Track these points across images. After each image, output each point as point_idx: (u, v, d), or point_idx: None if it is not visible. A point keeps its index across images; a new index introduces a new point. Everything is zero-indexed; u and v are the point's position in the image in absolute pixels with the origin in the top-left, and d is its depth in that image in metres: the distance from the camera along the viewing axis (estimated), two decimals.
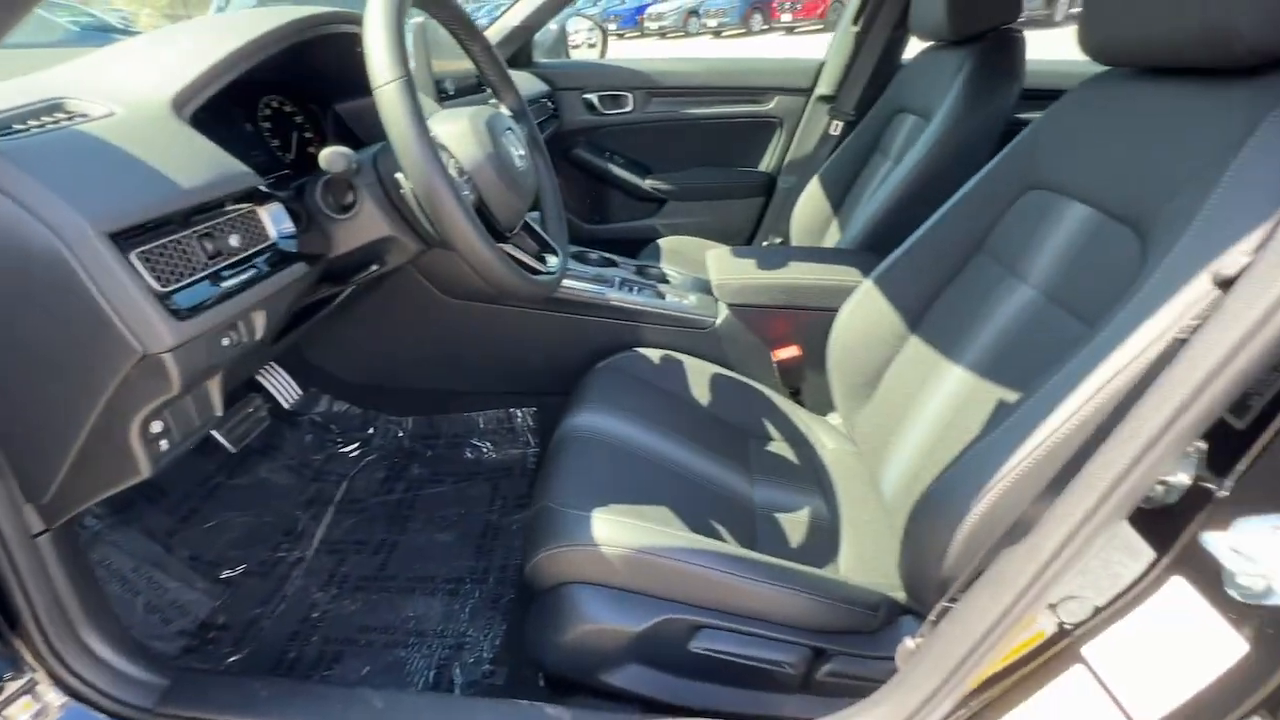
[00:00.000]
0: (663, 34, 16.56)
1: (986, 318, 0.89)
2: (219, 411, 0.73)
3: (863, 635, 0.81)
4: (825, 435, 1.17)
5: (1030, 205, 0.89)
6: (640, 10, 17.88)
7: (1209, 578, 0.46)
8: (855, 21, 1.79)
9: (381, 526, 1.27)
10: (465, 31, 0.87)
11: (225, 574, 1.14)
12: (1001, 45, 1.33)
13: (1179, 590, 0.48)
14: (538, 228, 0.96)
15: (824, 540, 0.95)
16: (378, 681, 0.98)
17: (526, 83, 1.89)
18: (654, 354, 1.24)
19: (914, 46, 1.66)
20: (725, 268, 1.29)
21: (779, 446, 1.14)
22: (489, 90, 0.98)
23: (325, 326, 1.30)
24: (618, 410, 1.04)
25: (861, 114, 1.75)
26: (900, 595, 0.83)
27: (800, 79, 1.95)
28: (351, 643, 1.05)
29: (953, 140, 1.28)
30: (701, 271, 1.39)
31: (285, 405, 1.36)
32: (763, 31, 14.70)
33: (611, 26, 18.89)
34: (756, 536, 0.93)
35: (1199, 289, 0.54)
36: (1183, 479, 0.48)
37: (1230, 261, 0.47)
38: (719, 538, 0.87)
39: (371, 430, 1.47)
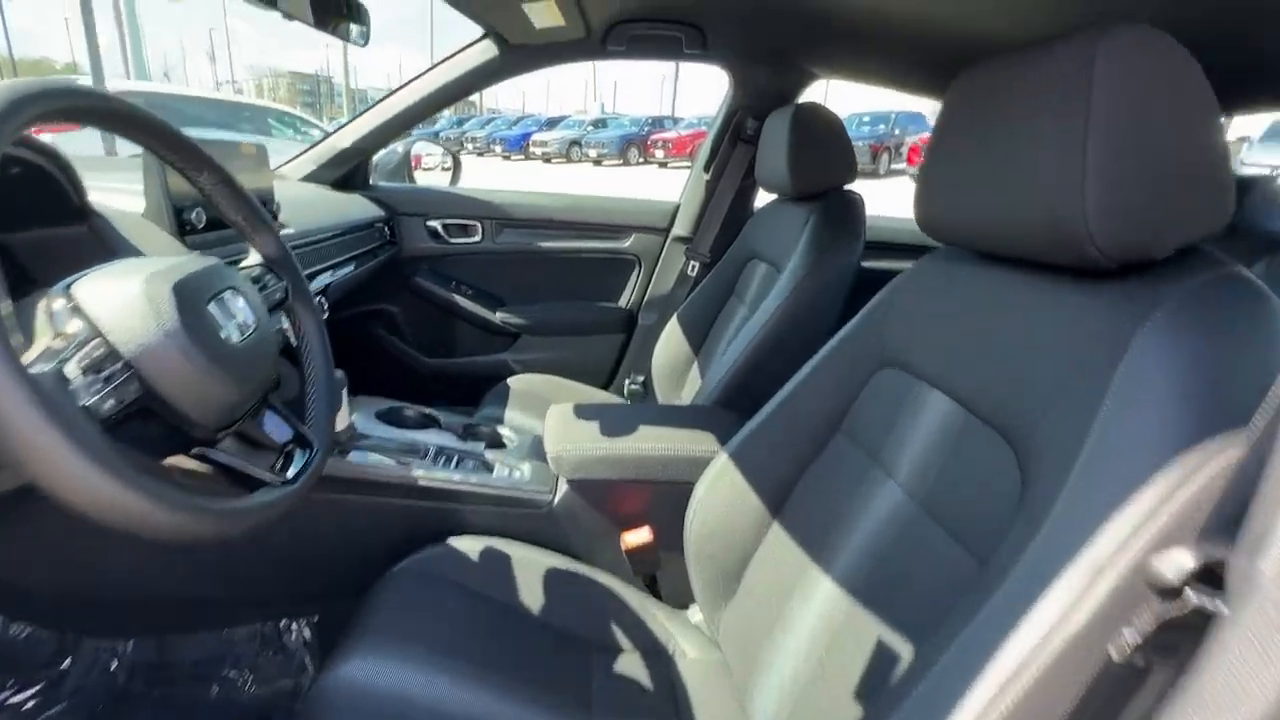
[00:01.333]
0: (547, 159, 17.71)
1: (855, 518, 0.75)
2: None
3: None
4: (685, 640, 0.96)
5: (885, 385, 0.79)
6: (525, 137, 19.24)
7: None
8: (706, 169, 1.81)
9: None
10: (183, 160, 0.65)
11: None
12: (842, 203, 1.34)
13: None
14: (283, 414, 0.69)
15: None
16: None
17: (359, 206, 1.70)
18: (472, 546, 0.98)
19: (765, 194, 1.68)
20: (563, 434, 1.09)
21: (628, 662, 0.90)
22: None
23: None
24: (405, 645, 0.76)
25: (716, 257, 1.72)
26: None
27: (657, 219, 1.92)
28: None
29: (804, 294, 1.23)
30: None
31: None
32: (639, 164, 16.21)
33: (497, 149, 20.04)
34: None
35: (1118, 574, 0.41)
36: None
37: (1169, 564, 0.32)
38: None
39: (68, 662, 1.03)
